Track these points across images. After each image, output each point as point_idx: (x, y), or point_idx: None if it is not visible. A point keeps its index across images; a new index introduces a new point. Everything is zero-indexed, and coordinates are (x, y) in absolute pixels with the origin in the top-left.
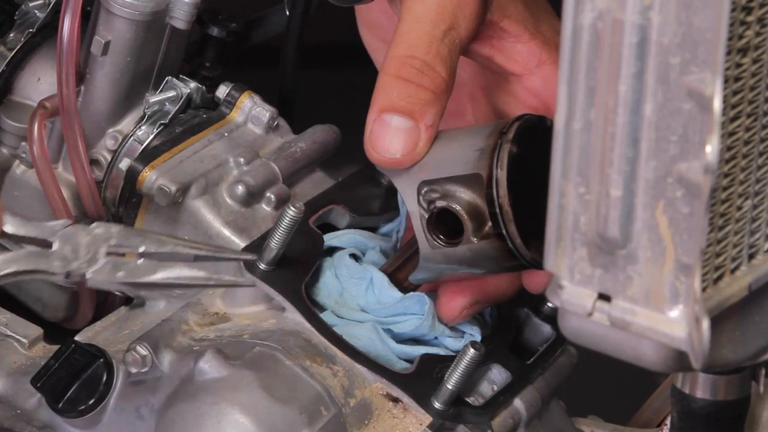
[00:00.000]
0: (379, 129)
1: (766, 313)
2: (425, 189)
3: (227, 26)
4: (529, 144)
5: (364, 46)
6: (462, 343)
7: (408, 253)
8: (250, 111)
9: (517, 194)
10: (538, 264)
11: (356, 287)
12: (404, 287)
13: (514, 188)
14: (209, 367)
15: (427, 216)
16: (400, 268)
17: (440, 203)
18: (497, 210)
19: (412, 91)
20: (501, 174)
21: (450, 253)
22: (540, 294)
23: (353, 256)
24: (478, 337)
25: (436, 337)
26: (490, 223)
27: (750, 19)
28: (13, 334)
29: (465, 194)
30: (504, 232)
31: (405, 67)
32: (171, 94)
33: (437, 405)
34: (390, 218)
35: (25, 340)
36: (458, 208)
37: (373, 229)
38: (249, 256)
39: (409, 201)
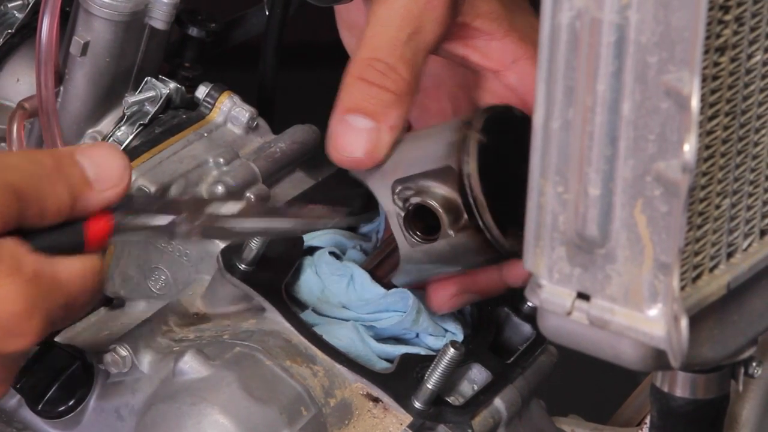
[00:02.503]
0: (341, 129)
1: (745, 312)
2: (399, 188)
3: (206, 26)
4: (498, 133)
5: (343, 46)
6: (442, 341)
7: (387, 251)
8: (230, 111)
9: (490, 183)
10: (517, 254)
11: (337, 284)
12: (384, 284)
13: (486, 178)
14: (189, 367)
15: (403, 214)
16: (379, 266)
17: (415, 199)
18: (471, 201)
19: (374, 92)
20: (471, 164)
21: (429, 250)
22: (521, 287)
23: (333, 254)
24: (459, 336)
25: (417, 335)
26: (465, 216)
27: (728, 18)
28: None
29: (439, 188)
30: (480, 222)
31: (368, 69)
32: (150, 94)
33: (417, 405)
34: (370, 218)
35: None
36: (433, 202)
37: (353, 229)
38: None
39: (385, 201)
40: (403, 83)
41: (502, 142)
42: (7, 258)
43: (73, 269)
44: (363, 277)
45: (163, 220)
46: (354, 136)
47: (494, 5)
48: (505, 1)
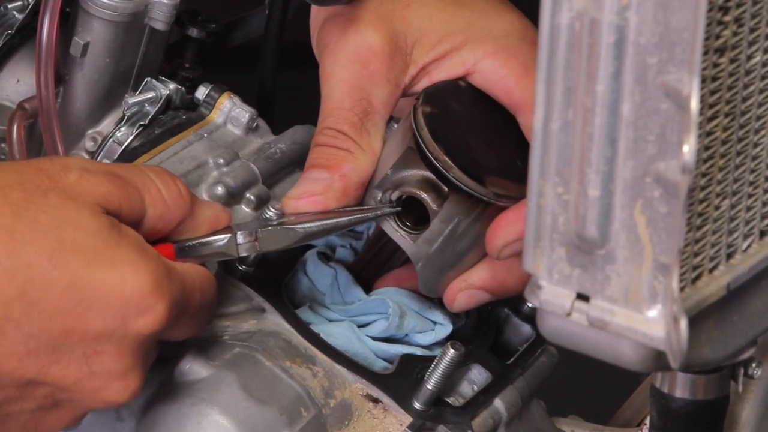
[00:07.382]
0: (298, 184)
1: (745, 313)
2: (380, 194)
3: (207, 27)
4: (448, 103)
5: None
6: (432, 336)
7: (373, 251)
8: (230, 112)
9: (453, 146)
10: (504, 197)
11: (323, 286)
12: (371, 286)
13: (445, 141)
14: (189, 368)
15: (389, 209)
16: (367, 266)
17: (395, 194)
18: (435, 163)
19: (327, 150)
20: (424, 133)
21: (429, 237)
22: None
23: (324, 254)
24: (448, 326)
25: (406, 335)
26: (441, 185)
27: (727, 18)
28: None
29: (411, 174)
30: (451, 178)
31: (321, 135)
32: (150, 95)
33: (417, 405)
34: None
35: None
36: (409, 188)
37: None
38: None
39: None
40: (351, 142)
41: (454, 109)
42: (133, 238)
43: (186, 264)
44: (346, 278)
45: (221, 240)
46: (305, 184)
47: (437, 27)
48: (449, 13)
